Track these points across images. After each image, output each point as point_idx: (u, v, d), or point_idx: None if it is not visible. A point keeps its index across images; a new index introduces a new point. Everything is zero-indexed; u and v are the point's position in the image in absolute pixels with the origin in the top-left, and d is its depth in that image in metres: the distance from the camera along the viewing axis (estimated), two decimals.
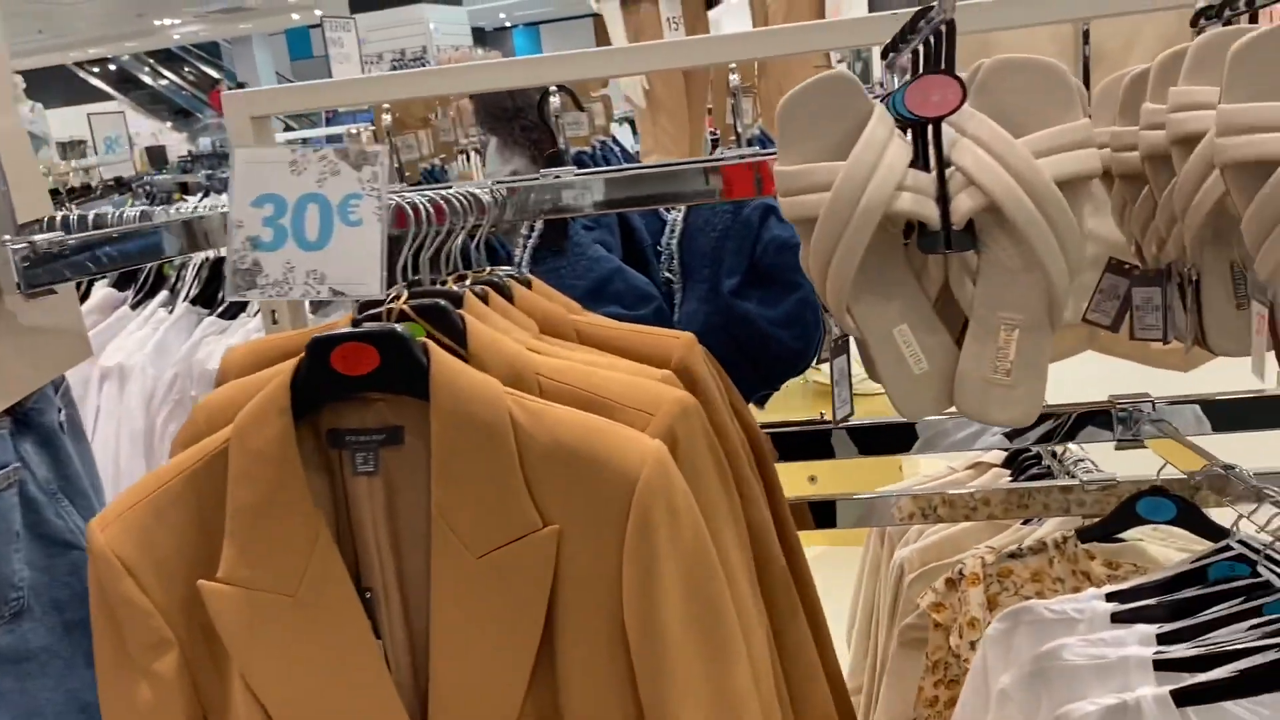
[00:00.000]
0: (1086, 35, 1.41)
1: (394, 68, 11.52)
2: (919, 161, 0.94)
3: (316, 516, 0.89)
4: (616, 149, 2.33)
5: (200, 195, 2.64)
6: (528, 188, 1.36)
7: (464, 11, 12.51)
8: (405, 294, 0.97)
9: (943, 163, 0.93)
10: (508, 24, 22.51)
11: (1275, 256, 0.86)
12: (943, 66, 0.94)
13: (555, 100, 1.50)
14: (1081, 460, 1.46)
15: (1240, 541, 1.09)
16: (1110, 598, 1.14)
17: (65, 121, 9.94)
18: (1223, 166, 0.88)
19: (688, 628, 0.89)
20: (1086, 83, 1.43)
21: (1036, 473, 1.70)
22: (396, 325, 0.91)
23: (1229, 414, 1.35)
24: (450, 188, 1.44)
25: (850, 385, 1.10)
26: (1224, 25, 1.12)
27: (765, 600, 1.18)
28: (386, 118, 1.47)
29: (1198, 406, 1.34)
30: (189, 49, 21.69)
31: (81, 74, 21.35)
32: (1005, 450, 1.70)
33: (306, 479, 0.89)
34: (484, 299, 1.21)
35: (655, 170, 1.32)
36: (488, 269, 1.35)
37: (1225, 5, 1.10)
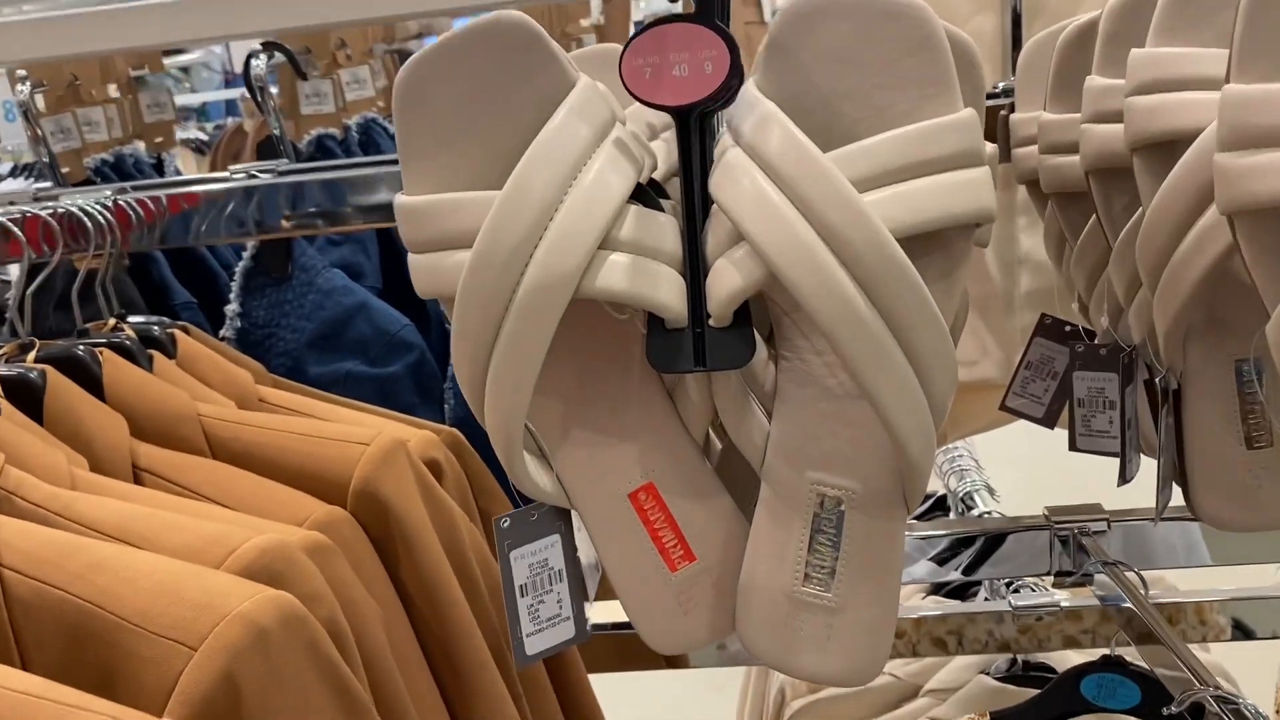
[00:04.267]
0: None
1: None
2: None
3: None
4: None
5: None
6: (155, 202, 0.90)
7: None
8: None
9: (696, 197, 0.48)
10: None
11: None
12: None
13: (260, 63, 1.04)
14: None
15: None
16: None
17: None
18: (1231, 209, 0.44)
19: None
20: (1017, 44, 0.98)
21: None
22: None
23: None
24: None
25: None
26: None
27: None
28: (23, 88, 1.00)
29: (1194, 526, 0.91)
30: None
31: None
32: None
33: None
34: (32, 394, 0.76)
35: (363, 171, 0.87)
36: (109, 321, 0.90)
37: None
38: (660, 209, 0.49)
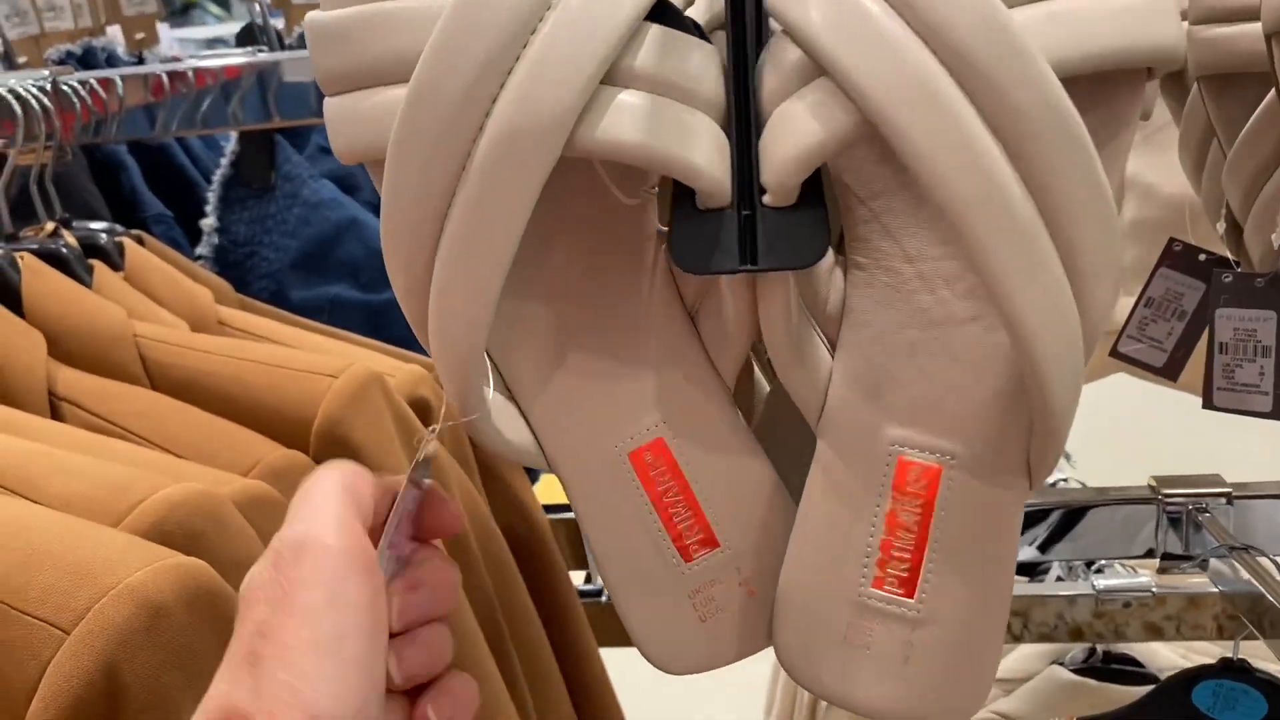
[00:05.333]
0: None
1: None
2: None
3: None
4: None
5: None
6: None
7: None
8: None
9: (749, 13, 0.33)
10: None
11: None
12: None
13: None
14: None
15: None
16: None
17: None
18: None
19: None
20: None
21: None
22: None
23: None
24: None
25: None
26: None
27: None
28: None
29: None
30: None
31: None
32: None
33: None
34: None
35: None
36: (48, 225, 0.76)
37: None
38: (694, 34, 0.33)
